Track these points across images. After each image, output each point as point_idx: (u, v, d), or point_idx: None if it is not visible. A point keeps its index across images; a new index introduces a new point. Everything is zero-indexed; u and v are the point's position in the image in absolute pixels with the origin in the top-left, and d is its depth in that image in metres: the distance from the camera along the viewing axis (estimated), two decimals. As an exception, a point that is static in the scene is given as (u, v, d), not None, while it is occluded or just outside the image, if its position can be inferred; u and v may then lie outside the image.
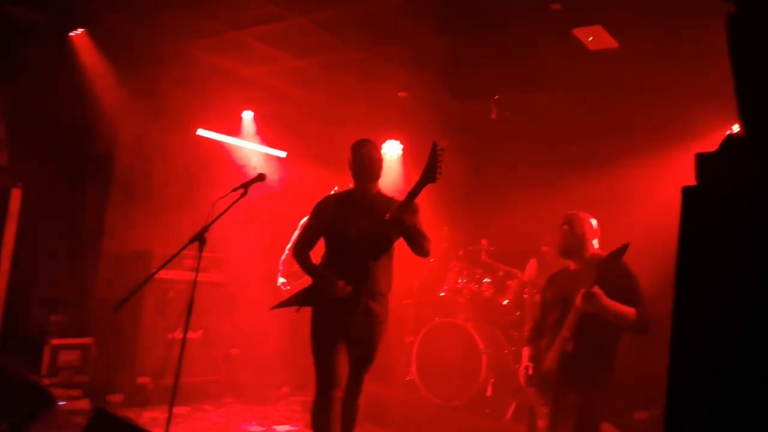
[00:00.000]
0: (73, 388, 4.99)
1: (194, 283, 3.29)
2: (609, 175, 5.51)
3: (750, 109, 1.15)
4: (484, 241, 5.96)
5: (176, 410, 3.42)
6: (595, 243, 3.59)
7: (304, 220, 4.12)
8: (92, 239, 5.60)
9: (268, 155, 6.90)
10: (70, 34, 5.34)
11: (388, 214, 3.30)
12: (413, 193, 3.23)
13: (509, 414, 5.16)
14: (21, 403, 3.16)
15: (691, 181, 1.15)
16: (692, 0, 3.92)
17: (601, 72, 5.26)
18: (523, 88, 5.85)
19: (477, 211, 6.41)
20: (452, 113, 6.64)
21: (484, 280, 5.79)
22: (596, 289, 3.19)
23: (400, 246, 3.48)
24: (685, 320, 1.10)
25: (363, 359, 3.47)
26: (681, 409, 1.09)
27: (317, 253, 3.57)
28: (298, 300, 3.54)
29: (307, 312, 3.54)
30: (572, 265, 3.62)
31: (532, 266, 5.47)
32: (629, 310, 3.22)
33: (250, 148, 6.72)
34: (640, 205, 5.12)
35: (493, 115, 6.02)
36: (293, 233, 5.30)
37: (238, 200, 3.42)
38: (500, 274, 5.79)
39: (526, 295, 5.46)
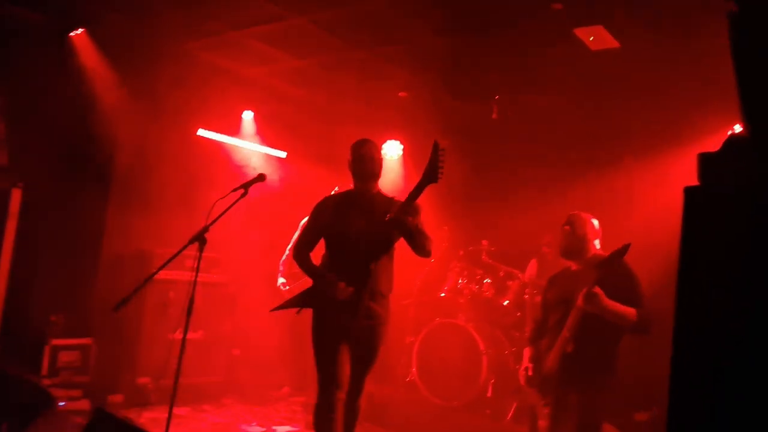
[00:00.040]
0: (73, 389, 4.99)
1: (194, 283, 3.28)
2: (610, 175, 5.51)
3: (752, 108, 1.14)
4: (484, 242, 5.95)
5: (176, 411, 3.41)
6: (597, 243, 3.58)
7: (305, 220, 4.11)
8: (92, 239, 5.60)
9: (268, 155, 6.89)
10: (70, 34, 5.34)
11: (389, 215, 3.29)
12: (415, 194, 3.21)
13: (510, 415, 5.16)
14: (21, 403, 3.16)
15: (693, 181, 1.14)
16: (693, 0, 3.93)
17: (603, 72, 5.25)
18: (524, 88, 5.84)
19: (477, 212, 6.39)
20: (452, 113, 6.63)
21: (485, 281, 5.78)
22: (597, 290, 3.19)
23: (401, 246, 3.47)
24: (687, 320, 1.09)
25: (364, 360, 3.47)
26: (683, 409, 1.08)
27: (317, 253, 3.57)
28: (298, 302, 3.53)
29: (307, 313, 3.53)
30: (573, 266, 3.62)
31: (532, 267, 5.47)
32: (630, 311, 3.22)
33: (250, 149, 6.71)
34: (641, 206, 5.11)
35: (494, 115, 6.01)
36: (293, 234, 5.28)
37: (238, 200, 3.41)
38: (501, 274, 5.79)
39: (526, 296, 5.46)
